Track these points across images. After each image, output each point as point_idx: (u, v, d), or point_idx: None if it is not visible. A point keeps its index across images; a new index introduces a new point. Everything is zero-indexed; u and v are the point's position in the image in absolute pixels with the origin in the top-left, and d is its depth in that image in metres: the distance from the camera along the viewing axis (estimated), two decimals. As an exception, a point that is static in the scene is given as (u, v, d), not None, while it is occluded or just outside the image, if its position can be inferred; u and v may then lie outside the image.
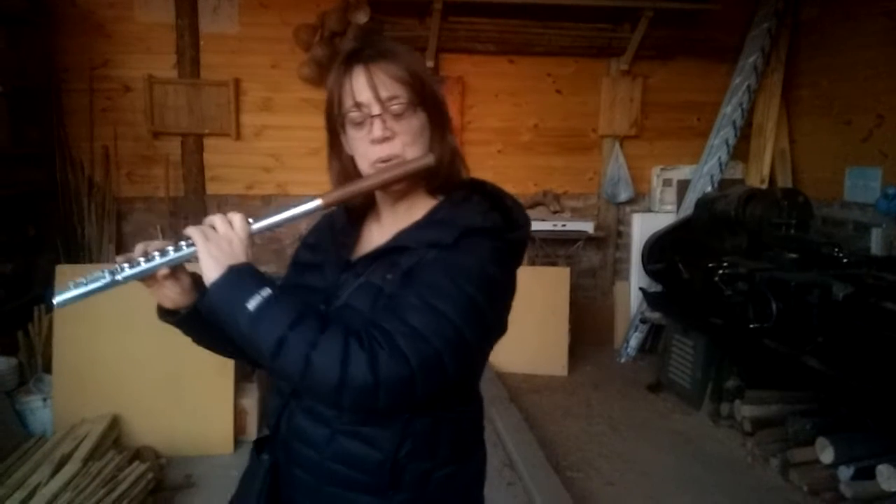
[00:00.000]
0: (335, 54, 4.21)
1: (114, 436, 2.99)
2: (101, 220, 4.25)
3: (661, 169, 4.83)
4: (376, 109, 1.03)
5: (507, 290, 1.08)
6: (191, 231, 0.99)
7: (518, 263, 1.11)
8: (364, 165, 1.08)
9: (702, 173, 4.59)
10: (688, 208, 4.41)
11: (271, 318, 0.92)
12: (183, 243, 1.01)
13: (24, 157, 3.87)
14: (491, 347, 1.09)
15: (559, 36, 4.46)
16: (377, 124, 1.03)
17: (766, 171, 4.63)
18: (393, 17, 4.30)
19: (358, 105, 1.04)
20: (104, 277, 1.00)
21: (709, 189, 4.47)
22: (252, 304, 0.92)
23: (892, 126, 3.84)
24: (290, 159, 4.53)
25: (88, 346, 3.07)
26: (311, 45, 4.23)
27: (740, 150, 4.69)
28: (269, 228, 1.05)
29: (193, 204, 4.40)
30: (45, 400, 3.10)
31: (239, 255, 0.98)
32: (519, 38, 4.42)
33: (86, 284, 1.01)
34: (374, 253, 1.09)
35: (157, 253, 1.01)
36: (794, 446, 3.08)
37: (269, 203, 4.54)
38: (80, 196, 4.23)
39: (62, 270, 3.19)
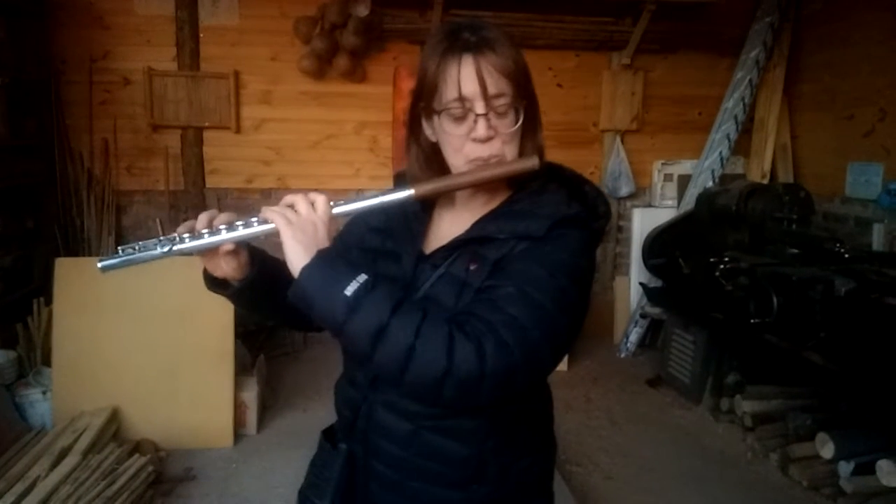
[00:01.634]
0: (335, 47, 4.21)
1: (113, 429, 2.99)
2: (100, 213, 4.23)
3: (662, 163, 4.82)
4: (481, 108, 0.97)
5: (591, 279, 1.06)
6: (270, 215, 0.94)
7: (596, 249, 1.09)
8: (457, 160, 1.02)
9: (703, 168, 4.57)
10: (689, 203, 4.39)
11: (370, 306, 0.88)
12: (255, 220, 0.96)
13: (22, 149, 3.86)
14: (576, 337, 1.05)
15: (560, 29, 4.44)
16: (482, 123, 0.98)
17: (767, 166, 4.62)
18: (394, 9, 4.27)
19: (462, 99, 0.98)
20: (162, 246, 0.94)
21: (710, 184, 4.46)
22: (350, 291, 0.88)
23: (895, 121, 3.83)
24: (290, 152, 4.52)
25: (88, 338, 3.07)
26: (311, 38, 4.20)
27: (742, 144, 4.67)
28: (351, 214, 1.01)
29: (193, 197, 4.39)
30: (44, 393, 3.10)
31: (324, 240, 0.94)
32: (520, 32, 4.39)
33: (139, 251, 0.94)
34: (454, 243, 1.04)
35: (223, 227, 0.96)
36: (795, 441, 3.08)
37: (268, 197, 4.53)
38: (80, 188, 4.22)
39: (61, 263, 3.18)
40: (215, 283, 1.07)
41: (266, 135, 4.48)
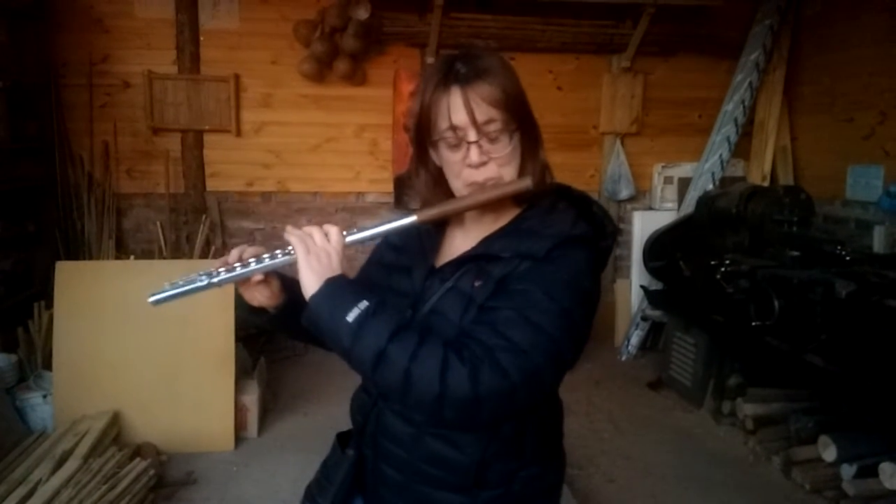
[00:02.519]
0: (335, 50, 4.22)
1: (114, 432, 2.99)
2: (100, 216, 4.23)
3: (663, 166, 4.82)
4: (472, 136, 1.02)
5: (596, 299, 1.07)
6: (293, 240, 1.01)
7: (603, 269, 1.12)
8: (458, 185, 1.08)
9: (703, 170, 4.58)
10: (689, 206, 4.40)
11: (370, 331, 0.93)
12: (278, 252, 1.04)
13: (23, 153, 3.86)
14: (580, 354, 1.08)
15: (560, 32, 4.44)
16: (474, 150, 1.03)
17: (767, 168, 4.62)
18: (393, 12, 4.28)
19: (454, 128, 1.03)
20: (201, 280, 1.04)
21: (710, 186, 4.46)
22: (352, 317, 0.94)
23: (895, 124, 3.83)
24: (290, 156, 4.52)
25: (88, 342, 3.06)
26: (311, 41, 4.21)
27: (742, 147, 4.67)
28: (362, 242, 1.07)
29: (193, 200, 4.39)
30: (45, 396, 3.09)
31: (335, 268, 1.00)
32: (520, 35, 4.40)
33: (182, 286, 1.04)
34: (462, 258, 1.09)
35: (252, 259, 1.05)
36: (797, 444, 3.08)
37: (269, 200, 4.53)
38: (80, 192, 4.22)
39: (62, 266, 3.17)
40: (253, 312, 1.15)
41: (266, 138, 4.48)
